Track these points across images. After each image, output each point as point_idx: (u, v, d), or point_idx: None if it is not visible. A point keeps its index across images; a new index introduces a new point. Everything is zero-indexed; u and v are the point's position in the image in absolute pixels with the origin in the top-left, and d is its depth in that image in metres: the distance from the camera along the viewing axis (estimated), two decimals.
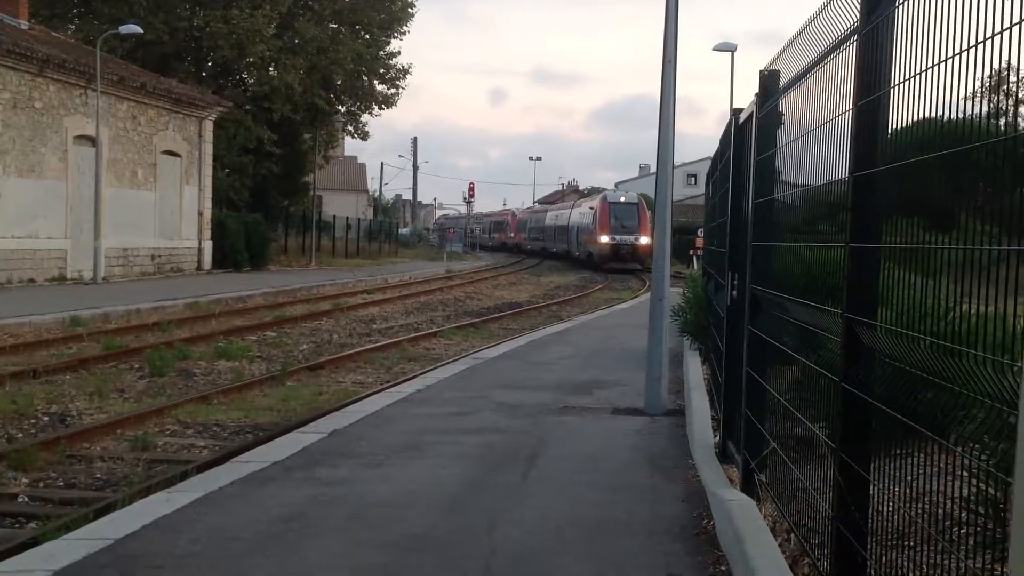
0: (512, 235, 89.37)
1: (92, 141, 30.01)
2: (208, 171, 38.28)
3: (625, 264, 54.09)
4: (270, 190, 47.88)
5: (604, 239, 56.60)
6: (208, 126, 38.17)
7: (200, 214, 37.63)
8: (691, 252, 43.57)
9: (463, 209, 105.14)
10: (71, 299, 22.93)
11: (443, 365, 15.27)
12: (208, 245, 38.12)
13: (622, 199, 59.33)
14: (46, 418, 11.48)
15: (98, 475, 9.23)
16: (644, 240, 53.14)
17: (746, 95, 7.06)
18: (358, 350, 18.02)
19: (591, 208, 60.88)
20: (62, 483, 8.99)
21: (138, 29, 32.18)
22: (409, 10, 49.66)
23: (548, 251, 71.58)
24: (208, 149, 38.27)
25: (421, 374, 14.28)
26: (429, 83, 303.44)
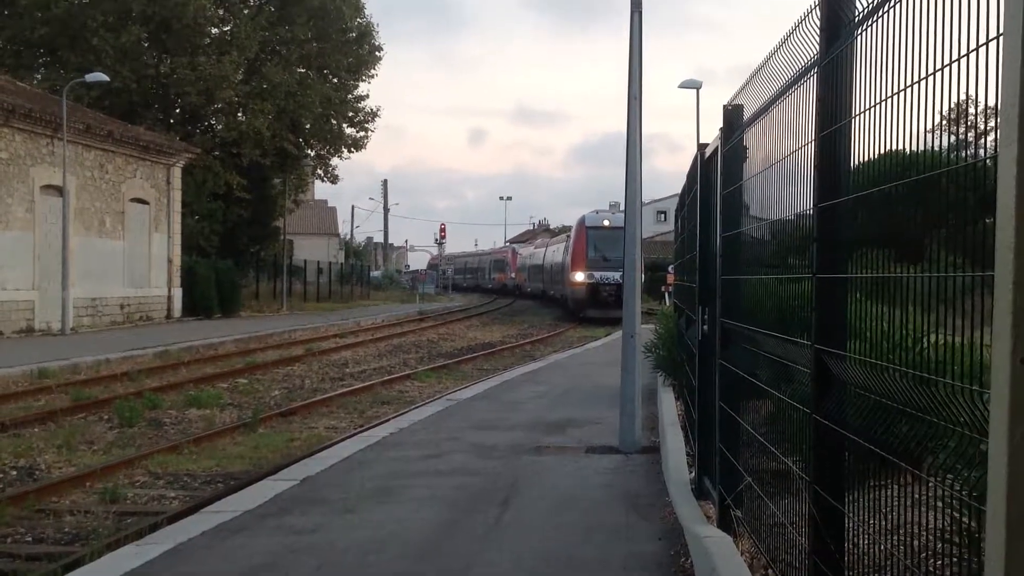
0: (513, 275, 79.11)
1: (59, 190, 29.81)
2: (177, 218, 38.09)
3: (607, 312, 40.40)
4: (240, 236, 47.70)
5: (579, 277, 43.85)
6: (177, 173, 38.03)
7: (170, 261, 37.40)
8: (662, 288, 43.69)
9: (434, 251, 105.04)
10: (39, 351, 22.67)
11: (416, 408, 15.17)
12: (178, 293, 37.86)
13: (605, 222, 44.64)
14: (14, 472, 11.29)
15: (67, 529, 9.06)
16: None
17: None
18: (331, 395, 17.88)
19: (568, 236, 49.70)
20: (30, 538, 8.82)
21: (104, 77, 32.10)
22: (377, 53, 49.84)
23: (548, 294, 58.56)
24: (177, 196, 38.10)
25: (395, 417, 14.18)
26: (410, 125, 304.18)
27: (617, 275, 37.92)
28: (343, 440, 12.23)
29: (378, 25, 60.45)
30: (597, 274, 43.03)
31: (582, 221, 46.37)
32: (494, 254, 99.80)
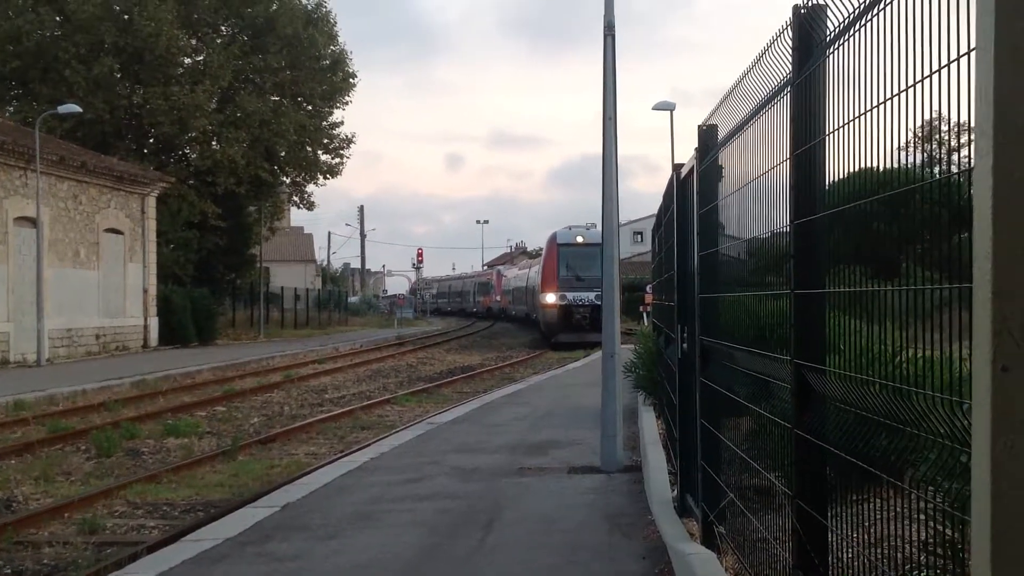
0: (498, 299, 75.54)
1: (33, 222, 29.64)
2: (152, 247, 37.94)
3: (582, 336, 37.90)
4: (216, 264, 47.56)
5: (550, 298, 40.77)
6: (151, 202, 37.90)
7: (145, 291, 37.22)
8: (641, 308, 43.70)
9: (412, 276, 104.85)
10: (14, 382, 22.48)
11: (397, 432, 15.13)
12: (154, 322, 37.66)
13: (579, 239, 41.55)
14: None
15: (46, 560, 8.98)
16: None
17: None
18: (310, 421, 17.81)
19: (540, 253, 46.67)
20: (9, 570, 8.73)
21: (77, 108, 32.02)
22: (351, 80, 49.92)
23: (531, 317, 52.75)
24: (152, 225, 37.96)
25: (375, 442, 14.13)
26: (388, 150, 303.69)
27: (592, 295, 37.15)
28: (323, 466, 12.17)
29: (351, 52, 60.40)
30: (570, 295, 40.17)
31: (553, 238, 43.02)
32: (479, 276, 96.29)
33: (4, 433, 16.34)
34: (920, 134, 2.81)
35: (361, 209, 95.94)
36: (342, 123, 55.61)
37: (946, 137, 2.91)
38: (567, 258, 41.09)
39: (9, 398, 19.43)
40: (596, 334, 35.71)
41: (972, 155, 1.83)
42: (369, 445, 13.80)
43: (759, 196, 4.67)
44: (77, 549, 9.28)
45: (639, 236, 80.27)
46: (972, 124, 1.87)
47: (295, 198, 52.70)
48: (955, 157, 3.09)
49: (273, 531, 8.06)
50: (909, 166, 2.92)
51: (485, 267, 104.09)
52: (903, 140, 2.79)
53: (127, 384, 23.39)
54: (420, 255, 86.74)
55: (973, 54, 1.93)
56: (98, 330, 34.23)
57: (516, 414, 16.18)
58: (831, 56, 3.45)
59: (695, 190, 7.06)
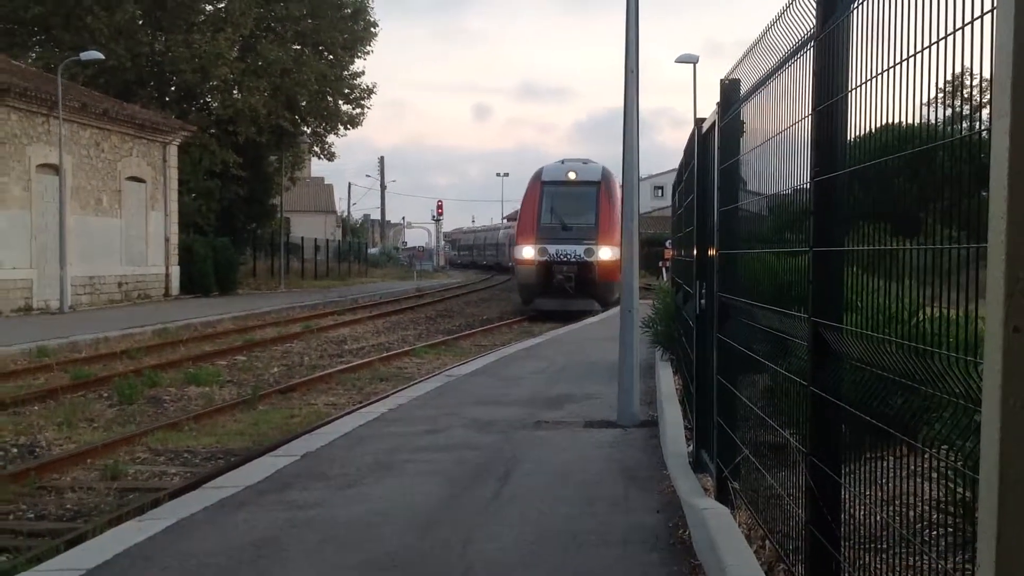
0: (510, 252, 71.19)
1: (55, 169, 29.75)
2: (174, 196, 38.04)
3: (567, 303, 30.77)
4: (237, 214, 47.64)
5: (527, 252, 31.66)
6: (173, 151, 37.94)
7: (167, 240, 37.38)
8: (660, 264, 43.59)
9: (432, 228, 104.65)
10: (38, 329, 22.70)
11: (415, 384, 15.22)
12: (176, 271, 37.86)
13: (571, 175, 32.91)
14: (15, 450, 11.34)
15: (69, 505, 9.12)
16: (607, 253, 30.17)
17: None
18: (330, 371, 17.93)
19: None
20: (32, 515, 8.88)
21: (99, 55, 31.98)
22: (372, 30, 49.64)
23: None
24: (173, 174, 38.03)
25: (394, 393, 14.22)
26: (415, 101, 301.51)
27: (580, 249, 30.82)
28: (343, 416, 12.28)
29: (373, 1, 59.95)
30: (552, 248, 31.21)
31: (538, 175, 33.44)
32: (488, 231, 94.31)
33: (28, 379, 16.54)
34: (945, 89, 2.78)
35: (381, 160, 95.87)
36: (363, 73, 55.44)
37: (972, 93, 2.89)
38: (553, 200, 32.30)
39: (33, 344, 19.63)
40: (583, 300, 30.08)
41: (991, 114, 1.81)
42: (388, 396, 13.88)
43: (780, 152, 4.65)
44: (99, 495, 9.42)
45: (660, 191, 79.94)
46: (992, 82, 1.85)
47: (316, 148, 52.66)
48: (981, 114, 3.07)
49: (293, 479, 8.15)
50: (932, 122, 2.90)
51: (505, 220, 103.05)
52: (927, 97, 2.77)
53: (149, 332, 23.57)
54: (440, 207, 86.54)
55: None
56: (120, 278, 34.45)
57: (534, 367, 16.24)
58: (855, 11, 3.41)
59: (716, 145, 7.03)
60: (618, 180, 29.61)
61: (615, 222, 28.45)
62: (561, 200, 32.25)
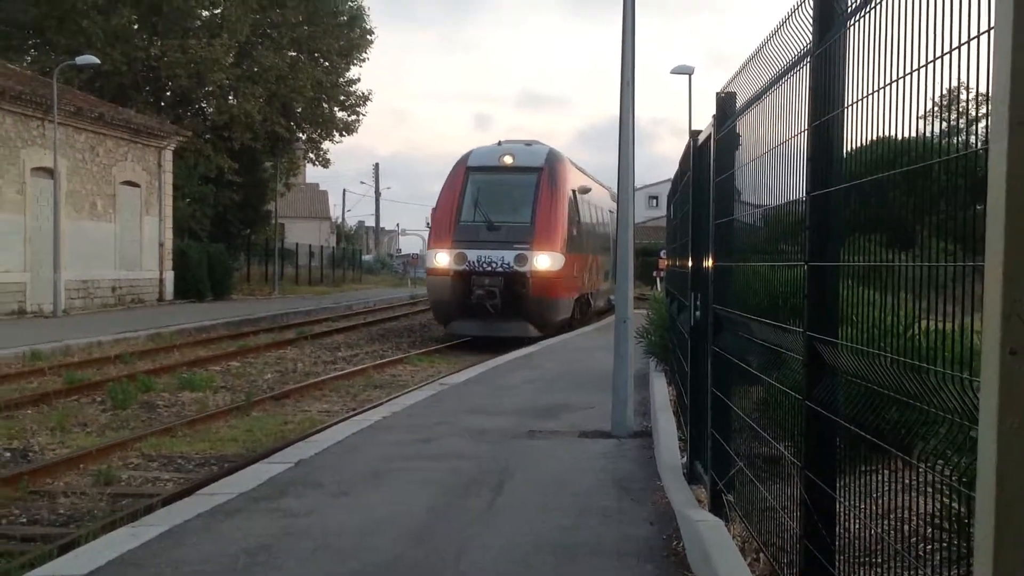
0: None
1: (50, 173, 29.72)
2: (168, 201, 37.99)
3: (490, 326, 23.73)
4: (231, 219, 47.61)
5: (440, 259, 24.40)
6: (168, 156, 37.91)
7: (161, 244, 37.33)
8: (654, 274, 43.58)
9: (426, 235, 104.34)
10: (31, 333, 22.65)
11: (409, 392, 15.21)
12: (170, 276, 37.81)
13: (506, 159, 25.48)
14: (8, 454, 11.32)
15: (61, 511, 9.10)
16: (546, 261, 23.99)
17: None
18: (323, 378, 17.92)
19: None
20: (25, 519, 8.85)
21: (95, 60, 31.95)
22: (368, 37, 49.70)
23: None
24: (168, 179, 37.99)
25: (387, 401, 14.22)
26: (414, 109, 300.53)
27: (511, 256, 23.55)
28: (337, 423, 12.27)
29: (369, 8, 60.09)
30: (472, 254, 23.91)
31: (464, 159, 26.05)
32: None
33: (21, 383, 16.50)
34: (940, 104, 2.80)
35: (376, 167, 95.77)
36: (359, 80, 55.42)
37: (966, 108, 2.91)
38: (479, 191, 24.99)
39: (26, 348, 19.59)
40: (513, 322, 23.03)
41: (988, 135, 1.83)
42: (382, 404, 13.88)
43: (776, 166, 4.67)
44: (92, 500, 9.40)
45: (654, 200, 80.00)
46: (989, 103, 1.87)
47: (311, 155, 52.64)
48: (976, 128, 3.09)
49: (286, 487, 8.14)
50: (927, 137, 2.91)
51: None
52: (922, 114, 2.78)
53: (143, 337, 23.54)
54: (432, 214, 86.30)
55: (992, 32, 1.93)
56: (114, 282, 34.40)
57: (528, 377, 16.24)
58: (851, 28, 3.44)
59: (712, 157, 7.05)
60: (574, 167, 26.36)
61: (559, 220, 24.22)
62: (490, 192, 24.98)
